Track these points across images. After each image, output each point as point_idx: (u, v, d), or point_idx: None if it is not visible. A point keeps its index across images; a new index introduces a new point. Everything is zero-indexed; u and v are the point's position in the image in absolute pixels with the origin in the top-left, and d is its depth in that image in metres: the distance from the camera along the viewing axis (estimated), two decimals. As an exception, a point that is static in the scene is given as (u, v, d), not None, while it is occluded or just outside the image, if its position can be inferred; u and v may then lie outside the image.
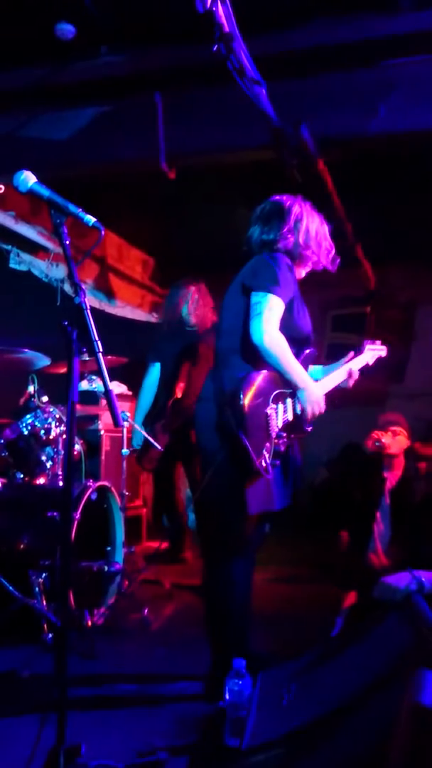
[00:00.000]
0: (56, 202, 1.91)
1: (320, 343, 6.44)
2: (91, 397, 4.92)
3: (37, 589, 3.10)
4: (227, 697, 2.21)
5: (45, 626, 3.03)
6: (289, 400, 2.60)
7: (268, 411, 2.50)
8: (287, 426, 2.59)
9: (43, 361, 3.72)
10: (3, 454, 3.58)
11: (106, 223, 1.98)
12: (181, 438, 4.42)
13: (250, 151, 3.82)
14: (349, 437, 6.37)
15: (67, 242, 1.90)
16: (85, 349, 1.85)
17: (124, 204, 4.86)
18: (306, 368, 2.66)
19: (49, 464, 3.60)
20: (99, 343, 1.84)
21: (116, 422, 1.85)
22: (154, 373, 4.76)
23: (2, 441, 3.51)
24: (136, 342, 5.29)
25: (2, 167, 3.62)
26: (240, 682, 2.21)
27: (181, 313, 4.60)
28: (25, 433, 3.54)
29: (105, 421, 5.09)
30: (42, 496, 3.48)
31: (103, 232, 1.93)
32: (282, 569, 4.68)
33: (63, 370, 3.95)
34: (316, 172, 3.92)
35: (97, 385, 4.34)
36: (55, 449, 3.61)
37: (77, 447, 3.98)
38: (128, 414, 4.04)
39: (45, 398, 3.67)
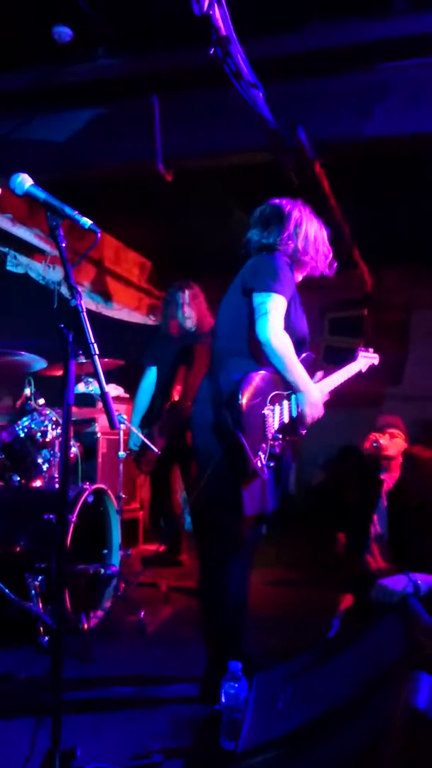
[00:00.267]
0: (52, 205, 1.91)
1: (318, 346, 6.47)
2: (87, 400, 4.92)
3: (33, 591, 3.09)
4: (223, 699, 2.21)
5: (41, 629, 3.03)
6: (285, 403, 2.61)
7: (266, 412, 2.51)
8: (283, 428, 2.59)
9: (39, 363, 3.71)
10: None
11: (103, 226, 1.98)
12: (178, 440, 4.42)
13: (246, 153, 3.83)
14: (345, 439, 6.37)
15: (63, 245, 1.90)
16: (81, 352, 1.85)
17: (121, 207, 4.85)
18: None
19: (45, 467, 3.60)
20: (95, 345, 1.85)
21: (112, 425, 1.85)
22: (151, 376, 4.77)
23: (-1, 443, 3.51)
24: (132, 344, 5.29)
25: (-1, 169, 3.62)
26: (236, 685, 2.21)
27: (178, 320, 4.60)
28: (22, 435, 3.54)
29: (101, 423, 5.09)
30: (38, 498, 3.48)
31: (99, 235, 1.93)
32: (278, 571, 4.68)
33: (59, 372, 3.95)
34: (313, 174, 3.92)
35: (93, 387, 4.34)
36: (52, 452, 3.61)
37: (74, 450, 3.97)
38: (125, 416, 4.04)
39: (41, 401, 3.67)
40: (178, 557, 4.91)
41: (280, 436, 2.58)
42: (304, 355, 2.71)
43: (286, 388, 2.60)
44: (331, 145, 3.72)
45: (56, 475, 3.60)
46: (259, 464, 2.47)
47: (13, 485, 3.58)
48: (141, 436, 4.35)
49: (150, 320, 6.72)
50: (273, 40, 3.32)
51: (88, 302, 5.66)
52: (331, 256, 2.82)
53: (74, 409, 4.25)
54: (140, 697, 2.66)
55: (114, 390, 5.47)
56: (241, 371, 2.52)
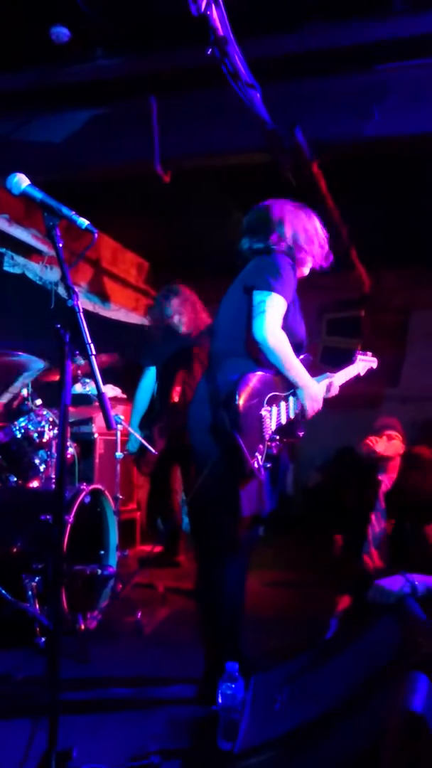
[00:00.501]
0: (49, 205, 1.91)
1: (315, 347, 6.47)
2: (84, 400, 4.91)
3: (30, 592, 3.08)
4: (220, 700, 2.21)
5: (38, 630, 3.02)
6: (283, 404, 2.61)
7: (263, 413, 2.50)
8: (281, 429, 2.59)
9: (37, 364, 3.71)
10: (-4, 458, 3.57)
11: (101, 226, 1.98)
12: (178, 441, 4.41)
13: (244, 154, 3.83)
14: (343, 441, 6.38)
15: (60, 245, 1.90)
16: (78, 352, 1.85)
17: (119, 207, 4.86)
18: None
19: (42, 467, 3.59)
20: (92, 346, 1.84)
21: (109, 425, 1.84)
22: (150, 377, 4.75)
23: (-5, 444, 3.50)
24: (130, 345, 5.28)
25: (-4, 169, 3.61)
26: (233, 686, 2.21)
27: (171, 323, 4.59)
28: (19, 436, 3.53)
29: (98, 424, 5.08)
30: (35, 499, 3.47)
31: (96, 235, 1.93)
32: (276, 572, 4.68)
33: (57, 377, 3.95)
34: (311, 175, 3.93)
35: (90, 388, 4.33)
36: (49, 452, 3.60)
37: (71, 450, 3.97)
38: (122, 417, 4.04)
39: (38, 401, 3.66)
40: (175, 558, 4.91)
41: (278, 438, 2.58)
42: (301, 356, 2.71)
43: (284, 389, 2.60)
44: (329, 145, 3.73)
45: (53, 476, 3.60)
46: (256, 465, 2.46)
47: (9, 486, 3.57)
48: (139, 437, 4.34)
49: (147, 321, 6.71)
50: (271, 41, 3.32)
51: (85, 303, 5.65)
52: (326, 246, 2.79)
53: (71, 410, 4.26)
54: (137, 698, 2.66)
55: (111, 391, 5.46)
56: (238, 372, 2.52)
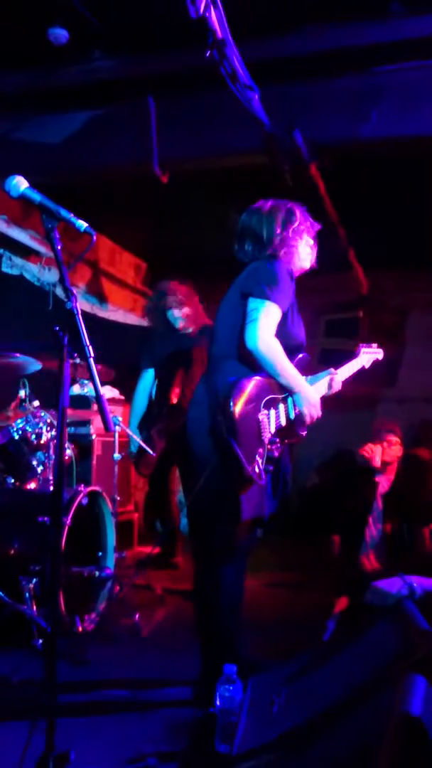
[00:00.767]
0: (48, 207, 1.91)
1: (313, 348, 6.47)
2: (82, 402, 4.91)
3: (27, 594, 3.08)
4: (218, 702, 2.20)
5: (35, 632, 3.01)
6: (281, 406, 2.60)
7: (260, 417, 2.50)
8: (281, 431, 2.58)
9: (34, 365, 3.70)
10: (-6, 459, 3.56)
11: (99, 228, 1.98)
12: (177, 442, 4.40)
13: (242, 155, 3.83)
14: (341, 442, 6.38)
15: (59, 247, 1.89)
16: (76, 354, 1.85)
17: (117, 208, 4.85)
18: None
19: (39, 469, 3.59)
20: (90, 348, 1.84)
21: (107, 427, 1.84)
22: (148, 378, 4.73)
23: (-7, 445, 3.50)
24: (127, 346, 5.28)
25: (-6, 171, 3.60)
26: (231, 688, 2.20)
27: (167, 318, 4.56)
28: (16, 437, 3.53)
29: (96, 425, 5.07)
30: (33, 501, 3.47)
31: (94, 237, 1.93)
32: (273, 574, 4.68)
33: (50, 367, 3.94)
34: (309, 177, 3.93)
35: (88, 389, 4.33)
36: (46, 454, 3.60)
37: (68, 452, 3.96)
38: (120, 419, 4.03)
39: (36, 403, 3.66)
40: (173, 560, 4.90)
41: (278, 440, 2.57)
42: (300, 355, 2.71)
43: (281, 391, 2.60)
44: (327, 147, 3.73)
45: (51, 478, 3.59)
46: (257, 469, 2.46)
47: (7, 487, 3.56)
48: (138, 439, 4.34)
49: (145, 322, 6.71)
50: (269, 43, 3.33)
51: (83, 304, 5.65)
52: (313, 230, 2.75)
53: (69, 411, 4.25)
54: (135, 700, 2.65)
55: (109, 392, 5.46)
56: (236, 375, 2.51)
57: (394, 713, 1.51)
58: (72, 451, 4.05)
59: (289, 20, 3.28)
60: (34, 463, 3.57)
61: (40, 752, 1.77)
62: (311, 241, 2.75)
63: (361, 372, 3.17)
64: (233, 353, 2.61)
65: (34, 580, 3.10)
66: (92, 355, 1.85)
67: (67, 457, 3.95)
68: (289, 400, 2.63)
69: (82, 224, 1.92)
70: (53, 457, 3.58)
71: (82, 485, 3.50)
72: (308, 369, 2.78)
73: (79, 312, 1.85)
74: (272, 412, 2.55)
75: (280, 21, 3.27)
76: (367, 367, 3.17)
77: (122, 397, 5.53)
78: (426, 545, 3.99)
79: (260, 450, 2.49)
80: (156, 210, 5.04)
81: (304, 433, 2.68)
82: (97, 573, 3.43)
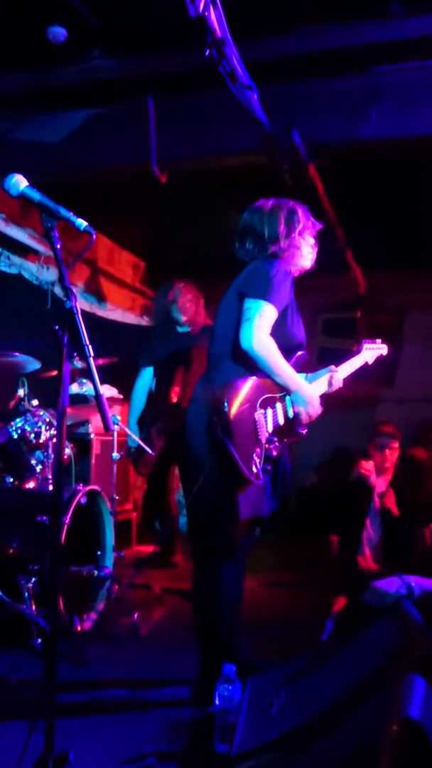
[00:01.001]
0: (47, 206, 1.90)
1: (311, 347, 6.48)
2: (80, 401, 4.90)
3: (26, 594, 3.08)
4: (217, 702, 2.20)
5: (34, 631, 3.01)
6: (279, 405, 2.60)
7: (256, 416, 2.50)
8: (279, 430, 2.58)
9: (33, 364, 3.70)
10: (-8, 458, 3.56)
11: (97, 227, 1.97)
12: (177, 441, 4.40)
13: (241, 155, 3.83)
14: (339, 441, 6.39)
15: (59, 246, 1.89)
16: (75, 354, 1.84)
17: (116, 207, 4.85)
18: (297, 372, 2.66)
19: (38, 468, 3.58)
20: (90, 347, 1.84)
21: (107, 426, 1.84)
22: (146, 377, 4.73)
23: (-8, 445, 3.50)
24: (126, 345, 5.27)
25: (-7, 170, 3.60)
26: (230, 688, 2.20)
27: (171, 312, 4.55)
28: (15, 436, 3.52)
29: (95, 424, 5.07)
30: (31, 500, 3.46)
31: (94, 236, 1.93)
32: (271, 574, 4.68)
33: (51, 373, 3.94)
34: (307, 177, 3.93)
35: (87, 388, 4.32)
36: (45, 453, 3.59)
37: (67, 451, 3.96)
38: (119, 418, 4.03)
39: (35, 402, 3.65)
40: (171, 559, 4.90)
41: (276, 439, 2.57)
42: (299, 353, 2.71)
43: (278, 390, 2.59)
44: (326, 147, 3.72)
45: (49, 477, 3.59)
46: (254, 469, 2.46)
47: (6, 486, 3.56)
48: (136, 438, 4.33)
49: (143, 321, 6.71)
50: (268, 42, 3.32)
51: (81, 303, 5.64)
52: (314, 228, 2.76)
53: (68, 410, 4.24)
54: (134, 700, 2.65)
55: (108, 391, 5.45)
56: (235, 374, 2.52)
57: (393, 715, 1.51)
58: (71, 450, 4.05)
59: (289, 20, 3.27)
60: (33, 462, 3.57)
61: (39, 752, 1.77)
62: (312, 241, 2.75)
63: (360, 372, 3.17)
64: (232, 352, 2.61)
65: (33, 580, 3.10)
66: (92, 354, 1.85)
67: (65, 456, 3.95)
68: (287, 399, 2.62)
69: (82, 223, 1.91)
70: (52, 456, 3.58)
71: (81, 484, 3.50)
72: (306, 367, 2.78)
73: (79, 311, 1.85)
74: (269, 411, 2.55)
75: (280, 20, 3.26)
76: (370, 363, 3.16)
77: (120, 396, 5.52)
78: (425, 545, 3.98)
79: (257, 450, 2.49)
80: (155, 209, 5.04)
81: (304, 432, 2.68)
82: (95, 572, 3.43)
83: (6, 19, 3.25)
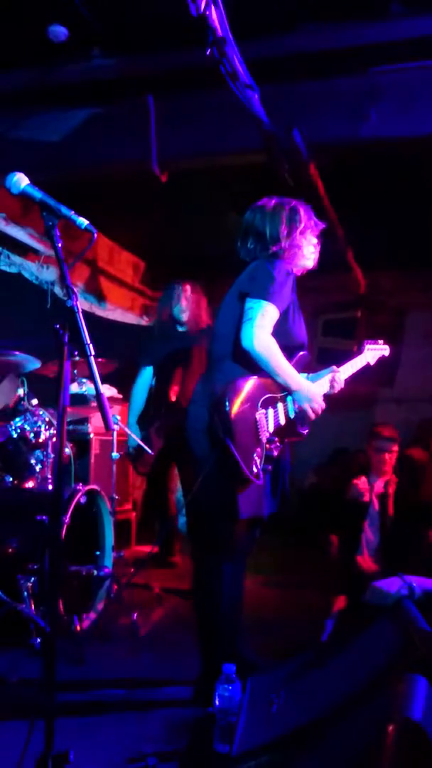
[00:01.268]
0: (49, 205, 1.90)
1: (311, 347, 6.48)
2: (80, 400, 4.89)
3: (25, 593, 3.07)
4: (217, 702, 2.20)
5: (33, 631, 3.01)
6: (280, 405, 2.60)
7: (257, 416, 2.50)
8: (279, 430, 2.58)
9: (33, 363, 3.70)
10: (-8, 457, 3.55)
11: (98, 226, 1.97)
12: (176, 440, 4.39)
13: (242, 154, 3.82)
14: (338, 441, 6.40)
15: (60, 245, 1.89)
16: (76, 353, 1.84)
17: (116, 207, 4.84)
18: (298, 372, 2.65)
19: (38, 468, 3.58)
20: (91, 346, 1.83)
21: (107, 426, 1.83)
22: (146, 376, 4.73)
23: (-9, 444, 3.49)
24: (126, 345, 5.27)
25: (-7, 169, 3.59)
26: (230, 688, 2.20)
27: (173, 311, 4.55)
28: (15, 436, 3.52)
29: (95, 424, 5.07)
30: (31, 499, 3.46)
31: (95, 235, 1.92)
32: (271, 573, 4.67)
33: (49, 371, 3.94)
34: (308, 176, 3.93)
35: (87, 388, 4.31)
36: (45, 452, 3.59)
37: (66, 450, 3.95)
38: (118, 417, 4.02)
39: (34, 401, 3.65)
40: (171, 558, 4.90)
41: (277, 439, 2.57)
42: (301, 353, 2.71)
43: (279, 390, 2.59)
44: (326, 147, 3.72)
45: (49, 476, 3.59)
46: (254, 469, 2.45)
47: (5, 486, 3.56)
48: (136, 438, 4.33)
49: (143, 321, 6.71)
50: (269, 42, 3.32)
51: (81, 302, 5.62)
52: (316, 229, 2.76)
53: (68, 410, 4.24)
54: (134, 700, 2.65)
55: (107, 390, 5.44)
56: (235, 374, 2.51)
57: (394, 716, 1.50)
58: (70, 449, 4.05)
59: (290, 19, 3.27)
60: (33, 461, 3.56)
61: (39, 752, 1.77)
62: (315, 240, 2.75)
63: (360, 372, 3.17)
64: (232, 353, 2.60)
65: (33, 579, 3.09)
66: (93, 353, 1.84)
67: (65, 456, 3.94)
68: (289, 398, 2.62)
69: (83, 221, 1.91)
70: (51, 455, 3.58)
71: (80, 484, 3.50)
72: (308, 367, 2.78)
73: (80, 310, 1.84)
74: (270, 411, 2.55)
75: (281, 20, 3.26)
76: (372, 363, 3.15)
77: (120, 396, 5.52)
78: (424, 545, 3.98)
79: (258, 450, 2.49)
80: (155, 209, 5.03)
81: (306, 432, 2.67)
82: (95, 572, 3.43)
83: (7, 18, 3.24)
